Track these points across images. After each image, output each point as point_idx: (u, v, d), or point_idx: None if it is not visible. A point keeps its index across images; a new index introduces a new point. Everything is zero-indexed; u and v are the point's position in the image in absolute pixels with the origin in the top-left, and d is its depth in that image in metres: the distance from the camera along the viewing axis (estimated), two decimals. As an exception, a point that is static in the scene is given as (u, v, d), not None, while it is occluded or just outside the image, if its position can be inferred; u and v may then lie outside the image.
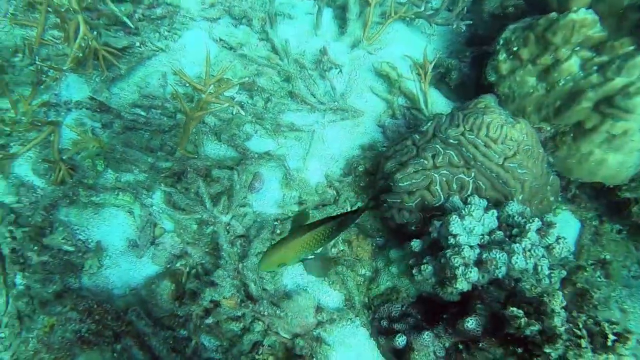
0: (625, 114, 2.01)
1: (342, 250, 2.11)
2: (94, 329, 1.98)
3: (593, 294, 1.97)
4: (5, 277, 2.01)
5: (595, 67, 2.05)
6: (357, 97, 2.46)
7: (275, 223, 2.05)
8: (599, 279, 2.39)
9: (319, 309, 2.02)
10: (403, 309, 2.07)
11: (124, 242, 2.14)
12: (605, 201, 2.57)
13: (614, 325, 1.67)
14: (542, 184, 1.94)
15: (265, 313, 1.93)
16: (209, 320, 1.96)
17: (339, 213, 1.99)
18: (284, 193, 2.14)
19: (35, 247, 2.04)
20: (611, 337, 1.62)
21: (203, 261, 2.05)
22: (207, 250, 2.05)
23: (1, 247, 2.03)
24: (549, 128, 2.15)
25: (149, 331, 1.97)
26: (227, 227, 2.02)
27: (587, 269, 2.30)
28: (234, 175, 2.03)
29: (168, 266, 2.09)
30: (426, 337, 1.88)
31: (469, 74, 2.72)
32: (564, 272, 1.89)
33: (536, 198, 1.92)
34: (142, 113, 2.23)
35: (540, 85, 2.15)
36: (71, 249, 2.06)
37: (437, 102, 2.50)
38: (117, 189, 2.16)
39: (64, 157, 2.16)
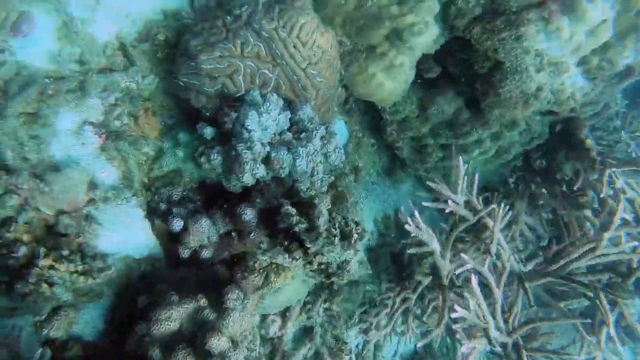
0: (406, 48, 2.29)
1: (126, 124, 1.91)
2: None
3: (349, 197, 2.34)
4: None
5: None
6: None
7: (47, 81, 1.68)
8: (352, 184, 2.84)
9: (92, 185, 1.83)
10: (184, 193, 2.06)
11: None
12: (371, 118, 3.00)
13: (359, 227, 2.03)
14: (332, 95, 2.11)
15: (25, 186, 1.66)
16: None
17: None
18: (61, 46, 1.75)
19: None
20: (355, 236, 1.97)
21: None
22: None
23: None
24: (349, 43, 2.29)
25: None
26: (-26, 74, 1.57)
27: (348, 175, 2.70)
28: (-11, 7, 1.55)
29: None
30: (203, 223, 1.94)
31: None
32: (332, 178, 2.15)
33: (325, 106, 2.09)
34: None
35: (352, 0, 2.22)
36: None
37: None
38: None
39: None
